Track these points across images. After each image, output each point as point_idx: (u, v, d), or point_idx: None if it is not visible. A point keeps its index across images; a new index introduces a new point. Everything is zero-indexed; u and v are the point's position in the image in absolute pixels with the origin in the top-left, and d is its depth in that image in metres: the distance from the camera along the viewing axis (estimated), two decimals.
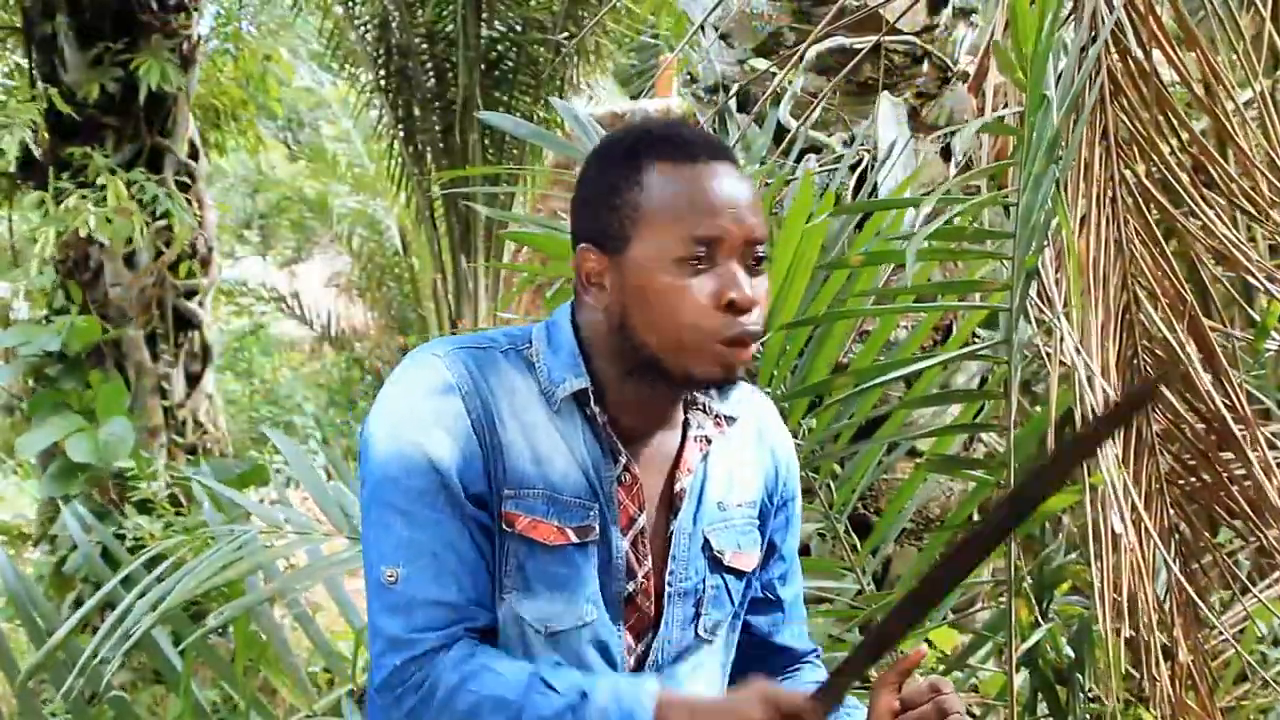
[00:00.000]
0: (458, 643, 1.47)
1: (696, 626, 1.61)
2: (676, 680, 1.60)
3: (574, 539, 1.51)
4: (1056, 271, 1.89)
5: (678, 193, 1.47)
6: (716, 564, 1.61)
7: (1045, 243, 1.84)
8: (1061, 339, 1.86)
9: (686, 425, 1.60)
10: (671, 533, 1.57)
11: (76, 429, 5.77)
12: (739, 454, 1.65)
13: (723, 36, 3.82)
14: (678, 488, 1.58)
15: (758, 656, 1.72)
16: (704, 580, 1.60)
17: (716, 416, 1.61)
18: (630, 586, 1.56)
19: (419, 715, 1.46)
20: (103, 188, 5.94)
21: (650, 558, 1.57)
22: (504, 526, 1.51)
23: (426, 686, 1.45)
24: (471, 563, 1.49)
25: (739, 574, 1.64)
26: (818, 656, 1.78)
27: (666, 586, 1.57)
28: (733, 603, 1.65)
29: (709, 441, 1.60)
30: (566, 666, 1.49)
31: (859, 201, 2.81)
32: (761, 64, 3.72)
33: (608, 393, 1.54)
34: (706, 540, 1.60)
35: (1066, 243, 1.85)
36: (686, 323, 1.46)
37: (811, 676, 1.75)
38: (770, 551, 1.71)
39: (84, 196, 5.86)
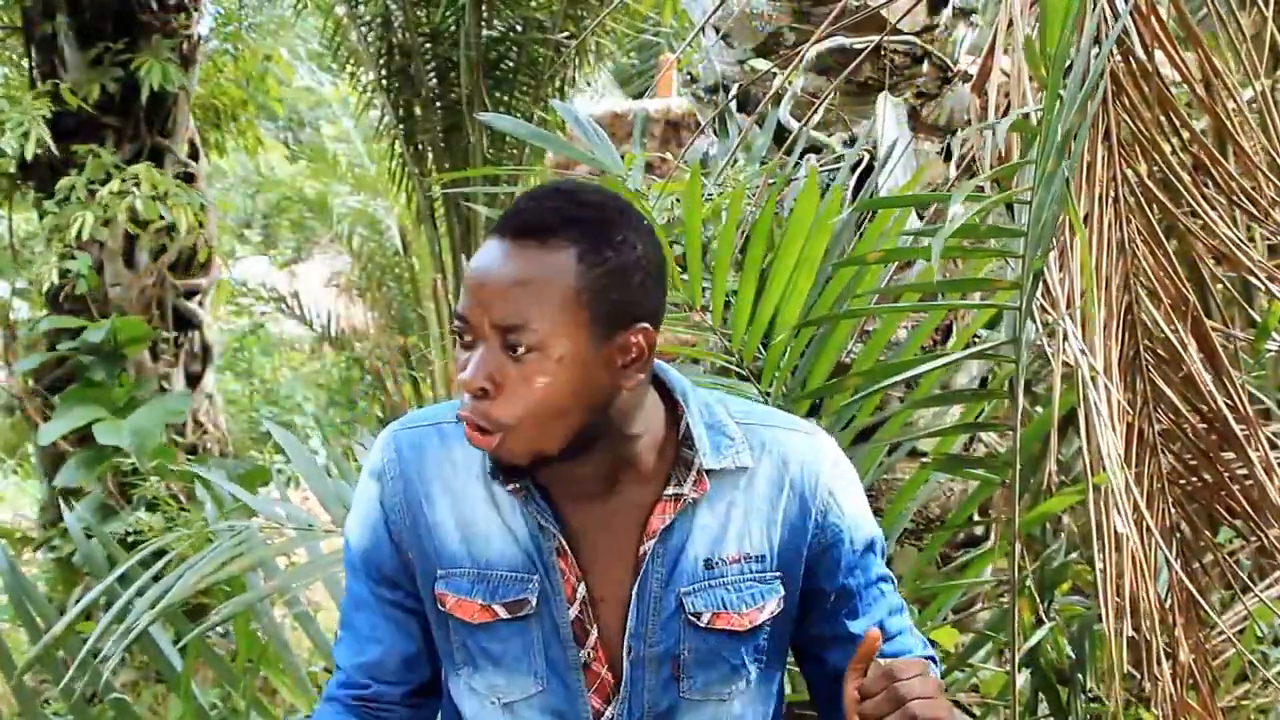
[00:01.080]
0: (329, 702, 1.64)
1: (679, 689, 1.56)
2: None
3: (503, 614, 1.52)
4: (1060, 270, 1.89)
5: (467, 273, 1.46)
6: (694, 627, 1.54)
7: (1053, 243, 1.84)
8: (1065, 338, 1.86)
9: (667, 482, 1.53)
10: (631, 597, 1.53)
11: (99, 419, 5.82)
12: (746, 503, 1.56)
13: (723, 36, 3.82)
14: (641, 551, 1.52)
15: (835, 689, 1.58)
16: (679, 644, 1.55)
17: (699, 470, 1.53)
18: (582, 655, 1.54)
19: None
20: (106, 182, 5.95)
21: (597, 626, 1.53)
22: (439, 606, 1.55)
23: None
24: (389, 643, 1.62)
25: (731, 634, 1.56)
26: (935, 661, 1.67)
27: (626, 652, 1.53)
28: (730, 663, 1.57)
29: (678, 500, 1.52)
30: None
31: (882, 198, 2.81)
32: (761, 64, 3.72)
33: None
34: (680, 603, 1.54)
35: (1080, 241, 1.86)
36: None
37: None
38: (819, 597, 1.60)
39: (113, 192, 5.88)
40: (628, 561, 1.53)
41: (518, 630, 1.53)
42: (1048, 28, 1.63)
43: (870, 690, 1.41)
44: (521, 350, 1.39)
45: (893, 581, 1.67)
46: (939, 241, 1.59)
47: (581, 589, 1.53)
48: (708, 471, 1.53)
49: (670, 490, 1.52)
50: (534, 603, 1.52)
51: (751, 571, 1.56)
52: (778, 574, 1.57)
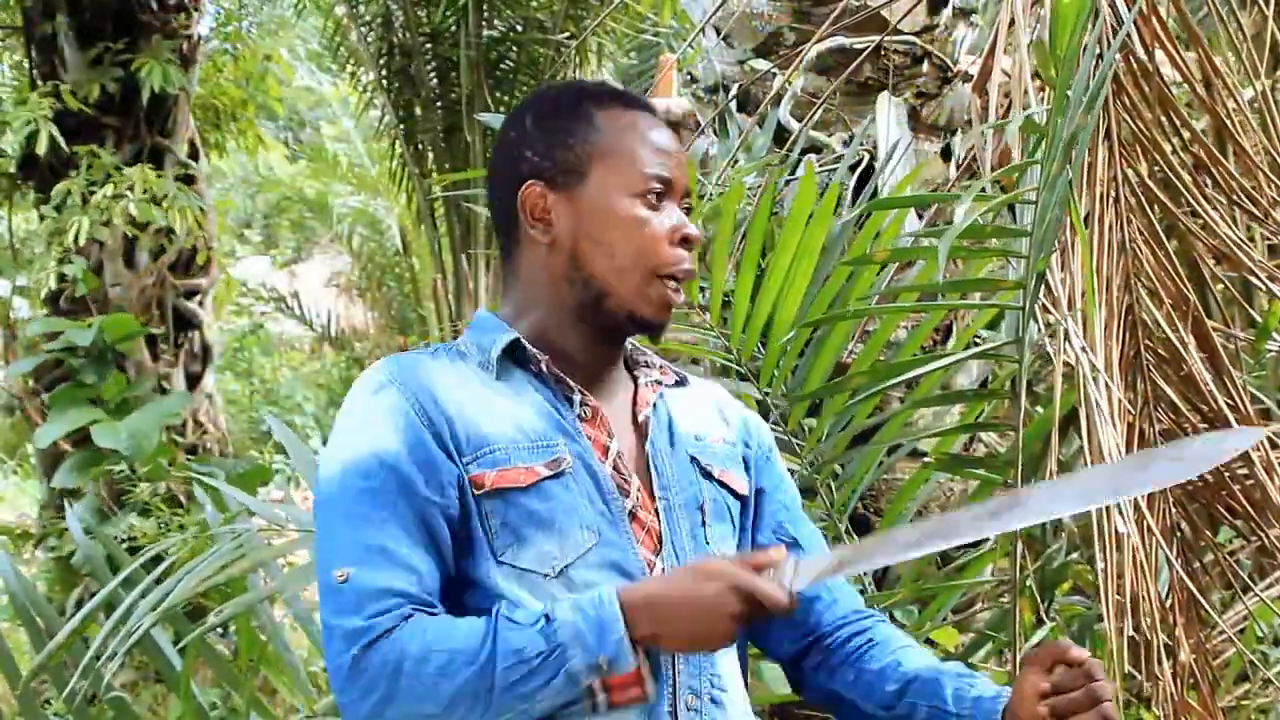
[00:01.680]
0: (409, 618, 1.46)
1: (705, 537, 1.62)
2: (717, 667, 1.60)
3: (545, 472, 1.53)
4: (1061, 270, 1.89)
5: (630, 135, 1.57)
6: (709, 477, 1.65)
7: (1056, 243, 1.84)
8: (1067, 338, 1.86)
9: (636, 379, 1.67)
10: (648, 455, 1.61)
11: (95, 420, 5.80)
12: (703, 410, 1.72)
13: (723, 37, 3.82)
14: (641, 418, 1.63)
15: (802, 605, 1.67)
16: (701, 490, 1.63)
17: (662, 368, 1.69)
18: (628, 503, 1.57)
19: (391, 699, 1.43)
20: (109, 182, 5.97)
21: (635, 479, 1.59)
22: (475, 492, 1.52)
23: (392, 664, 1.43)
24: (421, 557, 1.49)
25: (733, 492, 1.67)
26: (872, 618, 1.73)
27: (659, 500, 1.59)
28: (733, 521, 1.67)
29: (656, 385, 1.67)
30: (521, 605, 1.49)
31: (890, 198, 2.81)
32: (761, 64, 3.72)
33: (547, 343, 1.59)
34: (693, 457, 1.65)
35: (1081, 241, 1.86)
36: (643, 254, 1.55)
37: (898, 640, 1.69)
38: (760, 495, 1.74)
39: (108, 196, 5.89)
40: (631, 432, 1.63)
41: (561, 486, 1.54)
42: (1058, 30, 1.63)
43: (1067, 685, 1.46)
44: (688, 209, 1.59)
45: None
46: (945, 242, 1.59)
47: (614, 445, 1.59)
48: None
49: (645, 378, 1.67)
50: (569, 459, 1.55)
51: (731, 451, 1.71)
52: (740, 464, 1.72)
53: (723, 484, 1.67)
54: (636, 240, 1.55)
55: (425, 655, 1.43)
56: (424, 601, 1.48)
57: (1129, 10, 1.85)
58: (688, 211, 1.61)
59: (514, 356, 1.59)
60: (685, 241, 1.56)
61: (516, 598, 1.51)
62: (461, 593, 1.53)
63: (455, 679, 1.41)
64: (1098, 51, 1.76)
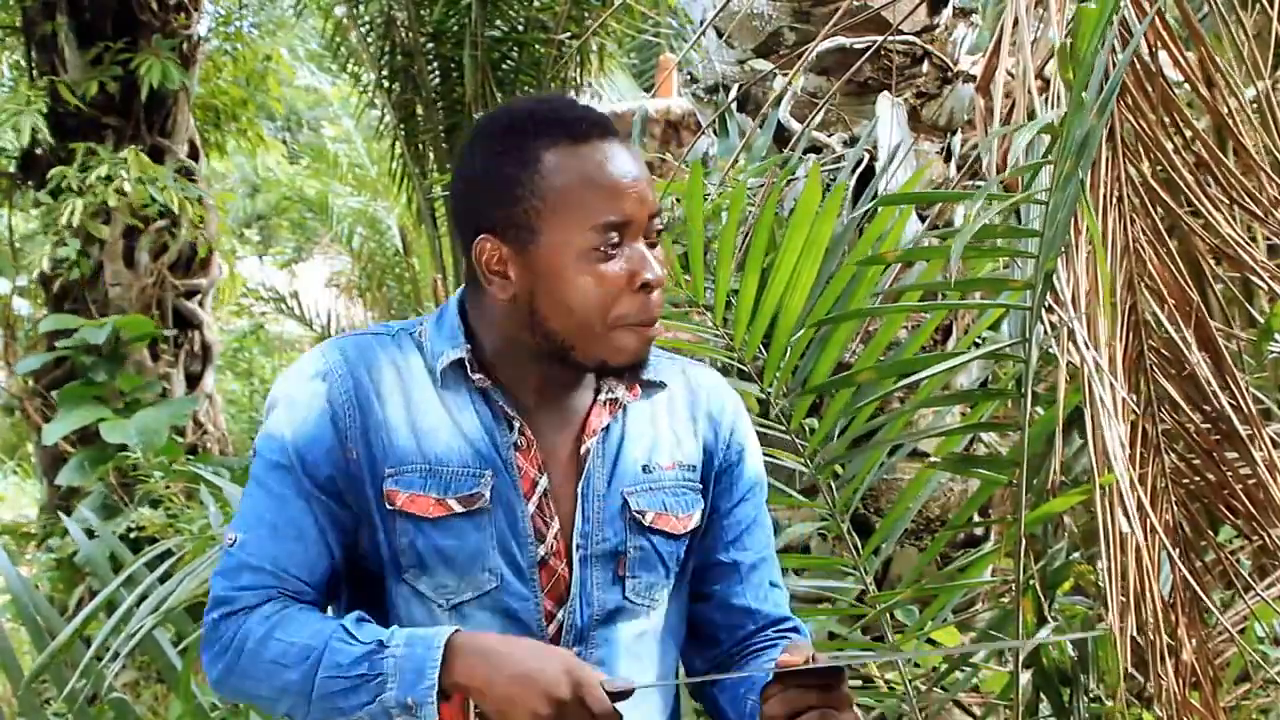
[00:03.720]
0: (267, 600, 1.51)
1: (624, 589, 1.59)
2: (614, 644, 1.59)
3: (457, 509, 1.52)
4: (1065, 270, 1.89)
5: (581, 180, 1.49)
6: (638, 525, 1.59)
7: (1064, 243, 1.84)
8: (1071, 338, 1.86)
9: (598, 389, 1.60)
10: (578, 495, 1.57)
11: (103, 418, 5.82)
12: (669, 419, 1.65)
13: (723, 37, 3.82)
14: (582, 450, 1.57)
15: (721, 620, 1.69)
16: (624, 542, 1.58)
17: (629, 380, 1.61)
18: (540, 550, 1.55)
19: (231, 670, 1.50)
20: (108, 180, 5.97)
21: (558, 520, 1.56)
22: (387, 505, 1.52)
23: (237, 640, 1.49)
24: (309, 542, 1.53)
25: (668, 536, 1.61)
26: (797, 631, 1.73)
27: (575, 550, 1.56)
28: (665, 566, 1.62)
29: (618, 404, 1.60)
30: (371, 621, 1.50)
31: (902, 194, 2.81)
32: (761, 64, 3.72)
33: (499, 366, 1.56)
34: (625, 501, 1.59)
35: (1087, 241, 1.86)
36: (602, 309, 1.49)
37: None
38: (714, 516, 1.68)
39: (100, 177, 5.88)
40: (572, 462, 1.58)
41: (473, 525, 1.53)
42: (1081, 32, 1.63)
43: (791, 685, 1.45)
44: (657, 237, 1.52)
45: (772, 532, 1.76)
46: (960, 241, 1.59)
47: (543, 481, 1.56)
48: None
49: (604, 395, 1.60)
50: (488, 497, 1.53)
51: (684, 479, 1.64)
52: (701, 485, 1.66)
53: (656, 530, 1.60)
54: (594, 297, 1.48)
55: (265, 641, 1.48)
56: (292, 587, 1.52)
57: (1139, 17, 1.85)
58: (656, 235, 1.52)
59: (457, 371, 1.56)
60: (644, 287, 1.49)
61: (410, 615, 1.54)
62: (368, 590, 1.56)
63: (284, 673, 1.46)
64: (1108, 53, 1.76)
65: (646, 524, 1.60)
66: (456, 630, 1.45)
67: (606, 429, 1.59)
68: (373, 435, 1.52)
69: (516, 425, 1.56)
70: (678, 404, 1.66)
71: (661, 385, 1.63)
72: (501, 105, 1.67)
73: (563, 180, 1.49)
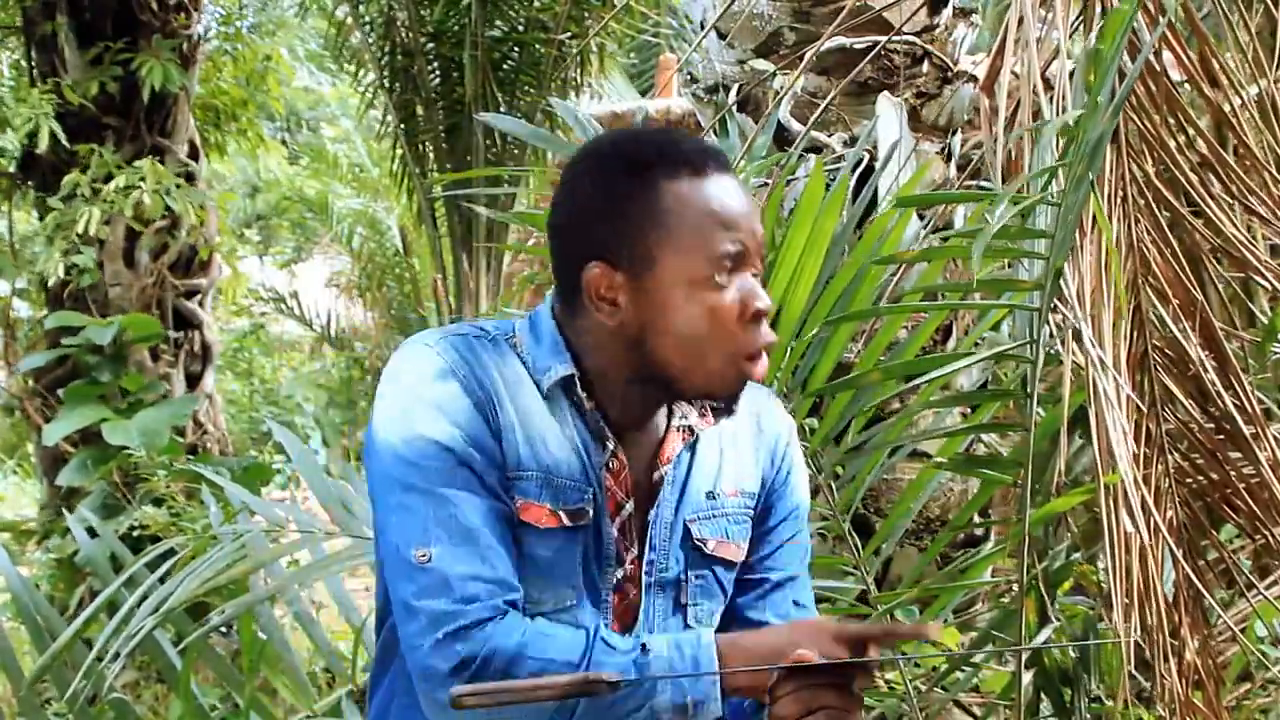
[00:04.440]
0: (505, 614, 1.44)
1: (685, 617, 1.60)
2: None
3: (566, 522, 1.51)
4: (1070, 269, 1.89)
5: (701, 212, 1.49)
6: (699, 554, 1.60)
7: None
8: (1076, 337, 1.86)
9: (670, 414, 1.61)
10: (649, 522, 1.57)
11: (105, 418, 5.82)
12: (735, 443, 1.66)
13: (723, 37, 3.82)
14: (656, 476, 1.58)
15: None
16: (686, 570, 1.60)
17: (703, 407, 1.62)
18: (619, 574, 1.56)
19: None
20: (110, 179, 5.98)
21: (635, 546, 1.57)
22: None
23: (483, 656, 1.41)
24: (499, 539, 1.47)
25: (727, 564, 1.63)
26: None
27: (645, 576, 1.57)
28: (724, 592, 1.64)
29: (692, 432, 1.61)
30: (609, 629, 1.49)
31: (918, 195, 2.81)
32: (762, 64, 3.72)
33: (597, 387, 1.55)
34: (687, 529, 1.60)
35: (1107, 237, 1.85)
36: (716, 340, 1.49)
37: None
38: (759, 527, 1.69)
39: (118, 188, 5.90)
40: (646, 487, 1.58)
41: (572, 539, 1.52)
42: (1106, 35, 1.62)
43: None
44: (761, 269, 1.54)
45: (810, 553, 1.77)
46: (980, 243, 1.59)
47: (629, 505, 1.56)
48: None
49: (678, 421, 1.60)
50: (590, 514, 1.53)
51: (744, 506, 1.65)
52: (748, 516, 1.67)
53: (717, 559, 1.62)
54: (708, 329, 1.48)
55: (519, 660, 1.42)
56: (506, 590, 1.46)
57: (1149, 20, 1.85)
58: (761, 267, 1.54)
59: (564, 386, 1.54)
60: (756, 317, 1.50)
61: None
62: None
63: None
64: (1120, 56, 1.76)
65: (708, 551, 1.61)
66: (709, 629, 1.47)
67: (678, 456, 1.60)
68: (501, 438, 1.50)
69: (610, 447, 1.55)
70: (742, 431, 1.67)
71: (731, 412, 1.61)
72: (609, 134, 1.64)
73: (686, 210, 1.49)
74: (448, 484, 1.47)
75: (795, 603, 1.71)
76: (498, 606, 1.44)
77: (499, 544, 1.47)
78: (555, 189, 1.60)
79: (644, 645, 1.42)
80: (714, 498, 1.62)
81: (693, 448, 1.62)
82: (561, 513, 1.52)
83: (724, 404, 1.56)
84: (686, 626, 1.60)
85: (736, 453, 1.65)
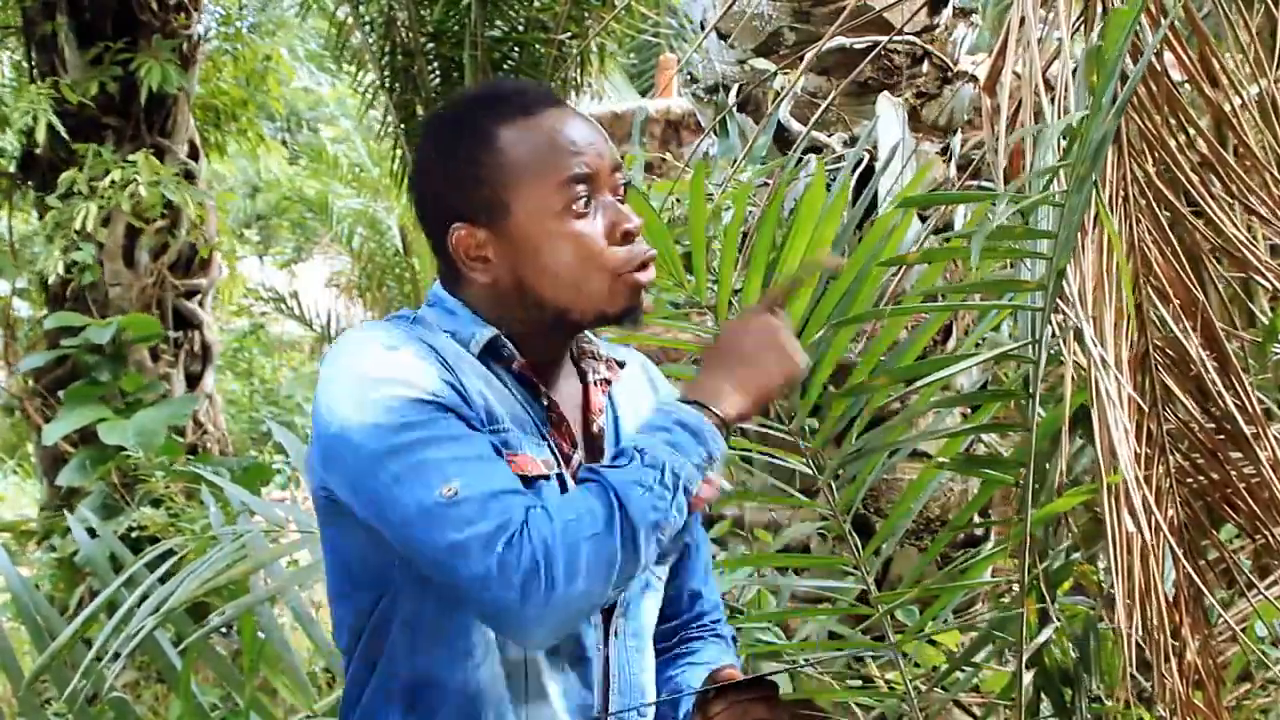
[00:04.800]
0: (531, 509, 1.42)
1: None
2: (644, 615, 1.64)
3: (544, 470, 1.52)
4: (1072, 270, 1.89)
5: (539, 146, 1.51)
6: None
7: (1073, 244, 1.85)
8: (1078, 337, 1.86)
9: (584, 374, 1.64)
10: None
11: (102, 418, 5.82)
12: (637, 396, 1.71)
13: (723, 36, 3.82)
14: (595, 427, 1.61)
15: (673, 604, 1.75)
16: None
17: (608, 360, 1.66)
18: None
19: (553, 585, 1.37)
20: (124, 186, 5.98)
21: None
22: None
23: (540, 551, 1.38)
24: (503, 464, 1.47)
25: None
26: (722, 621, 1.82)
27: None
28: None
29: (609, 383, 1.65)
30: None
31: (922, 195, 2.81)
32: (762, 64, 3.72)
33: (510, 340, 1.56)
34: None
35: (1112, 235, 1.86)
36: (590, 266, 1.51)
37: (705, 655, 1.76)
38: None
39: (114, 182, 5.90)
40: (586, 440, 1.62)
41: (550, 488, 1.52)
42: (1109, 34, 1.62)
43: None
44: (624, 192, 1.55)
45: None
46: (978, 242, 1.59)
47: (577, 456, 1.58)
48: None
49: (594, 375, 1.64)
50: (554, 463, 1.55)
51: None
52: None
53: None
54: (577, 261, 1.50)
55: (564, 530, 1.39)
56: (529, 498, 1.44)
57: (1151, 20, 1.86)
58: (623, 190, 1.56)
59: (490, 352, 1.55)
60: (625, 236, 1.52)
61: None
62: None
63: (600, 541, 1.38)
64: (1123, 56, 1.76)
65: None
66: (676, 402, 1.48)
67: (605, 406, 1.64)
68: (465, 398, 1.49)
69: (547, 403, 1.57)
70: (640, 382, 1.74)
71: (622, 364, 1.69)
72: (443, 103, 1.68)
73: (523, 150, 1.51)
74: (441, 430, 1.44)
75: (706, 569, 1.80)
76: (525, 506, 1.42)
77: (506, 468, 1.47)
78: (409, 170, 1.64)
79: (632, 449, 1.44)
80: None
81: (610, 398, 1.66)
82: (540, 462, 1.52)
83: (628, 320, 1.56)
84: (650, 570, 1.62)
85: (641, 404, 1.70)
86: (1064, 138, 1.86)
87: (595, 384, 1.64)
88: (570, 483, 1.55)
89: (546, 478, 1.52)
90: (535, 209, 1.50)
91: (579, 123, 1.54)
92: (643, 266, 1.53)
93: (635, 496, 1.40)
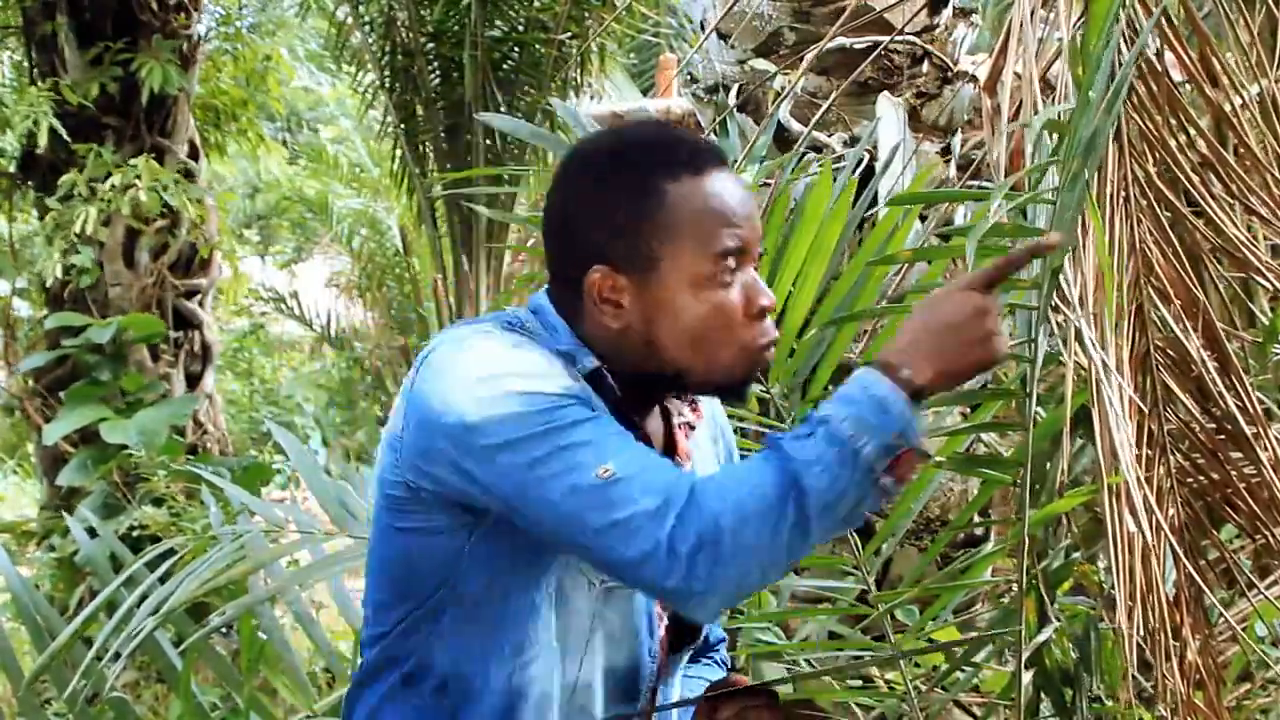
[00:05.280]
0: (695, 484, 1.40)
1: None
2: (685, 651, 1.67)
3: None
4: (1072, 269, 1.89)
5: (702, 211, 1.50)
6: None
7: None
8: (1078, 337, 1.86)
9: (667, 414, 1.63)
10: None
11: (103, 417, 5.83)
12: (706, 436, 1.72)
13: (723, 36, 3.83)
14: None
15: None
16: None
17: (692, 402, 1.65)
18: None
19: (721, 560, 1.36)
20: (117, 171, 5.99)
21: None
22: None
23: (710, 525, 1.36)
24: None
25: None
26: (722, 645, 1.84)
27: None
28: None
29: (692, 428, 1.64)
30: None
31: (912, 194, 2.81)
32: (762, 64, 3.73)
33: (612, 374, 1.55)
34: None
35: (1098, 234, 1.86)
36: (724, 337, 1.50)
37: (698, 674, 1.78)
38: None
39: (114, 186, 5.90)
40: None
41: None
42: (1091, 28, 1.63)
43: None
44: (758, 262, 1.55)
45: None
46: (973, 240, 1.58)
47: None
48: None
49: (678, 418, 1.63)
50: None
51: None
52: None
53: None
54: (716, 327, 1.50)
55: (735, 505, 1.36)
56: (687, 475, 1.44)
57: (1146, 15, 1.86)
58: (759, 259, 1.56)
59: (592, 379, 1.53)
60: (762, 313, 1.52)
61: (563, 590, 1.51)
62: (521, 557, 1.49)
63: (770, 519, 1.35)
64: (1115, 52, 1.76)
65: None
66: (868, 366, 1.42)
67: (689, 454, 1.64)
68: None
69: (641, 438, 1.54)
70: (706, 421, 1.72)
71: (743, 399, 1.65)
72: (601, 134, 1.64)
73: (688, 208, 1.50)
74: (584, 415, 1.43)
75: None
76: (690, 480, 1.40)
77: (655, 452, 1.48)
78: (549, 191, 1.59)
79: (814, 419, 1.38)
80: None
81: (693, 438, 1.66)
82: None
83: (736, 394, 1.57)
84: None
85: (709, 446, 1.72)
86: (1051, 133, 1.86)
87: (679, 427, 1.63)
88: None
89: None
90: (685, 270, 1.49)
91: (739, 191, 1.53)
92: (766, 346, 1.53)
93: (813, 475, 1.35)
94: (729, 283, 1.50)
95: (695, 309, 1.49)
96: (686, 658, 1.73)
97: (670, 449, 1.61)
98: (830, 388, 2.47)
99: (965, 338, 1.42)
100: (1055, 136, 1.84)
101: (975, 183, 3.26)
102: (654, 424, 1.61)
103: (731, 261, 1.50)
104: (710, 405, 1.74)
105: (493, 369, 1.45)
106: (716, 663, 1.84)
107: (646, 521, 1.37)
